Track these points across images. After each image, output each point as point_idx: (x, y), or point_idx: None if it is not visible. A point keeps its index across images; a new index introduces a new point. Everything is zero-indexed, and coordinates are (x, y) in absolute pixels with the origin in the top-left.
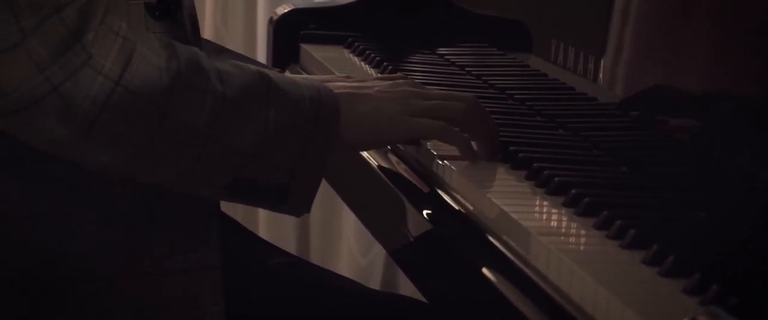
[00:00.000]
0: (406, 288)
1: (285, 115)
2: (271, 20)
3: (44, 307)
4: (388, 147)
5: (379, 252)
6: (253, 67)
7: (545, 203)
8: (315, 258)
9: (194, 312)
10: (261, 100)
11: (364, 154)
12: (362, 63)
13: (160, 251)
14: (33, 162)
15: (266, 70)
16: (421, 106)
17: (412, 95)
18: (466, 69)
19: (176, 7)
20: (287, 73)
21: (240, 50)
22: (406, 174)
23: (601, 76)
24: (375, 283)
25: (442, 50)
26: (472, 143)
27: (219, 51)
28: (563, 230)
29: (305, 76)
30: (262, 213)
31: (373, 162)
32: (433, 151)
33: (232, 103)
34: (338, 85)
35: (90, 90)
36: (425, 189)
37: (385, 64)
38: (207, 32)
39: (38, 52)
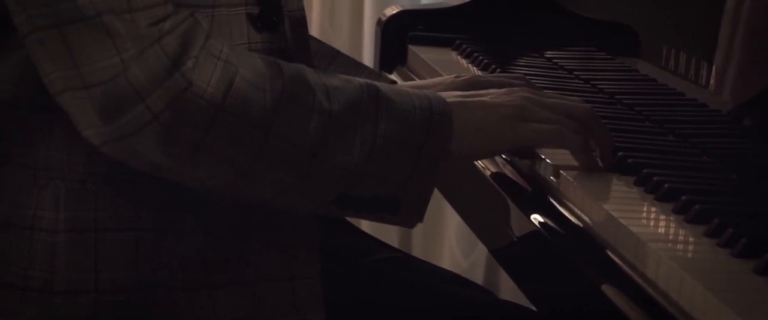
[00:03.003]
0: (507, 292)
1: (395, 127)
2: (379, 21)
3: (149, 314)
4: None
5: (480, 254)
6: (361, 80)
7: (654, 209)
8: None
9: (295, 319)
10: (369, 114)
11: None
12: (470, 65)
13: (259, 261)
14: (137, 174)
15: (375, 82)
16: (537, 113)
17: (528, 102)
18: (574, 73)
19: (278, 19)
20: (395, 75)
21: (345, 51)
22: (511, 176)
23: (711, 81)
24: None
25: (549, 53)
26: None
27: (333, 56)
28: (673, 237)
29: (417, 81)
30: None
31: (479, 163)
32: (540, 154)
33: (338, 119)
34: (450, 94)
35: (191, 116)
36: (531, 191)
37: (492, 67)
38: (313, 33)
39: (139, 80)
